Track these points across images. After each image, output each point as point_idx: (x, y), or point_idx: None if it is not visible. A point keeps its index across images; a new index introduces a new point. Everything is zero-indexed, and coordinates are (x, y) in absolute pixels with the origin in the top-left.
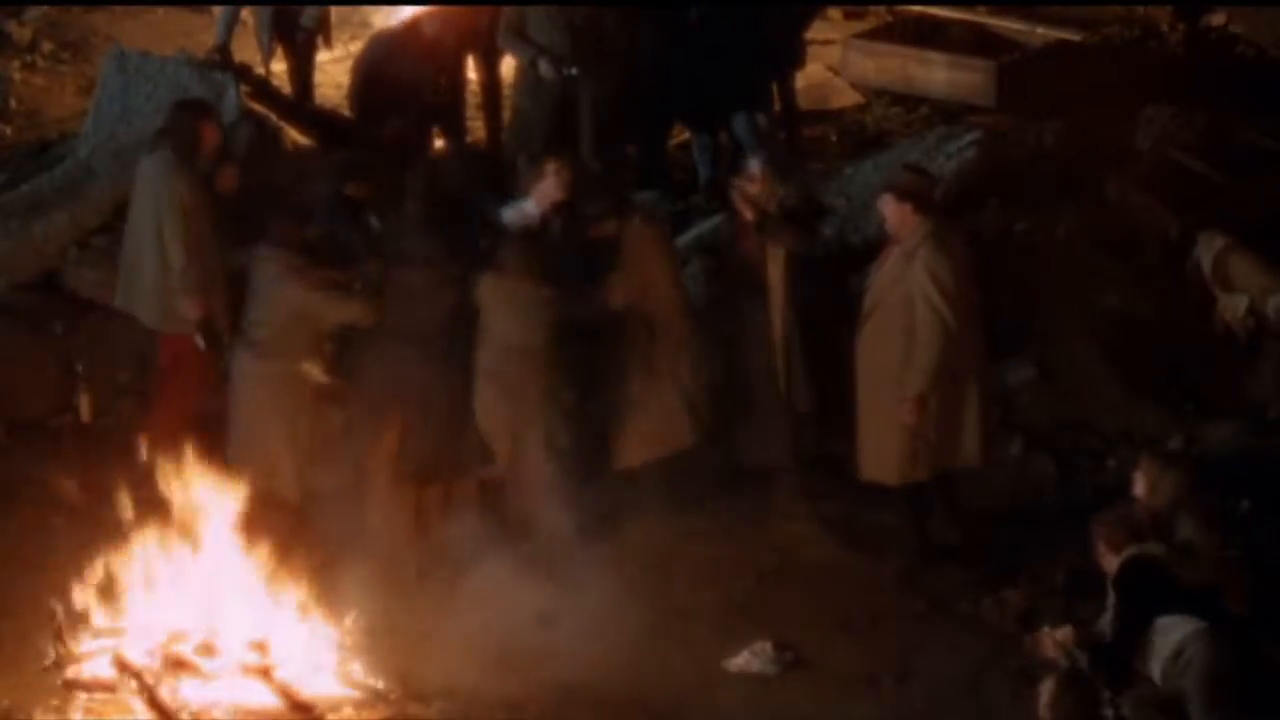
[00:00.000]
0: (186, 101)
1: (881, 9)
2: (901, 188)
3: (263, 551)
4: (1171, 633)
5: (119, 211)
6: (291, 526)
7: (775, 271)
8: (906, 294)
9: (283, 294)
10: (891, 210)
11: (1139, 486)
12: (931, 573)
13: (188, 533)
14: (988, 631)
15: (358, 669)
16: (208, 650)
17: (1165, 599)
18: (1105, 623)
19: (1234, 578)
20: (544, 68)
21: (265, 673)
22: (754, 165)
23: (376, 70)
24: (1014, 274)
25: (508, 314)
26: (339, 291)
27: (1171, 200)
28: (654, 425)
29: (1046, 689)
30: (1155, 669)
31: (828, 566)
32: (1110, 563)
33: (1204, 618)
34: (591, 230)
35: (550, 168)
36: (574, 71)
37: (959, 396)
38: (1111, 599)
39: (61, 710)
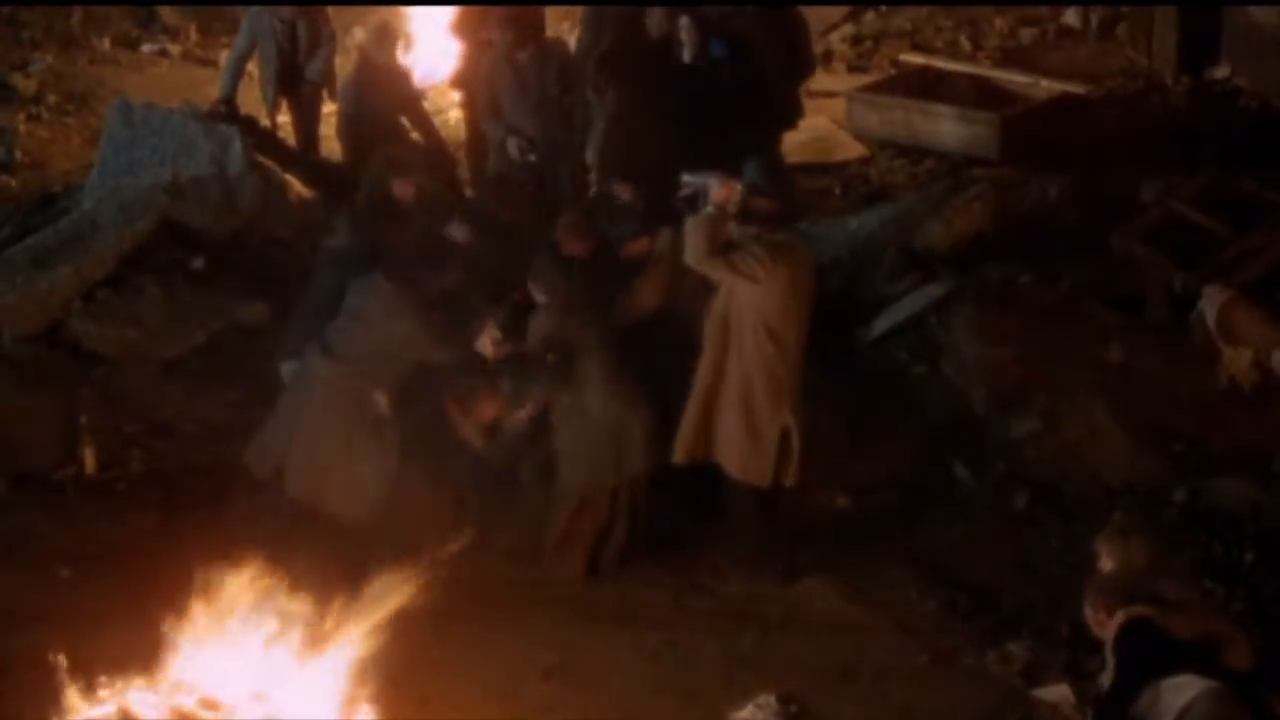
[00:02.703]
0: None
1: (885, 62)
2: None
3: (273, 599)
4: (1184, 691)
5: (123, 264)
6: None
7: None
8: None
9: (393, 328)
10: (739, 233)
11: (1108, 565)
12: (935, 626)
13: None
14: (991, 684)
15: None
16: (211, 705)
17: (1164, 658)
18: (1105, 681)
19: (1233, 632)
20: (512, 148)
21: None
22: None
23: (353, 121)
24: (1018, 327)
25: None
26: (441, 339)
27: (1176, 253)
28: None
29: None
30: None
31: (831, 619)
32: (1107, 627)
33: (1206, 674)
34: (624, 251)
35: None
36: (533, 158)
37: None
38: (1110, 661)
39: None
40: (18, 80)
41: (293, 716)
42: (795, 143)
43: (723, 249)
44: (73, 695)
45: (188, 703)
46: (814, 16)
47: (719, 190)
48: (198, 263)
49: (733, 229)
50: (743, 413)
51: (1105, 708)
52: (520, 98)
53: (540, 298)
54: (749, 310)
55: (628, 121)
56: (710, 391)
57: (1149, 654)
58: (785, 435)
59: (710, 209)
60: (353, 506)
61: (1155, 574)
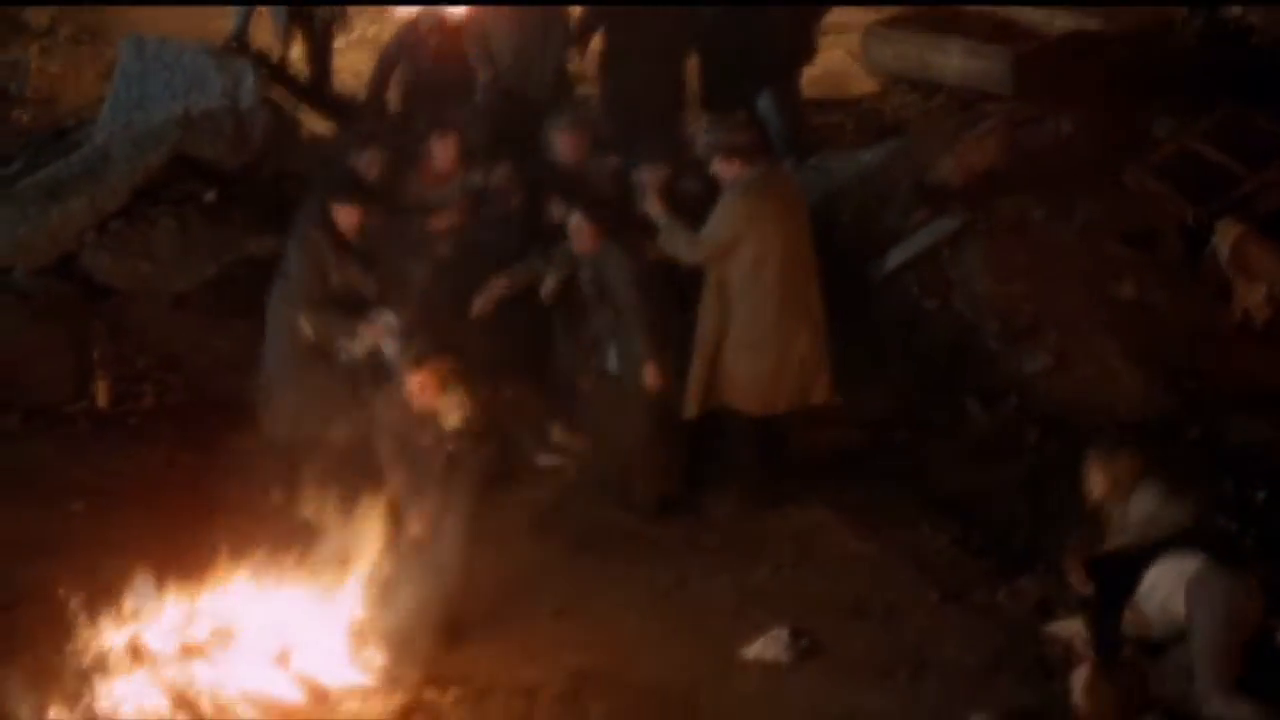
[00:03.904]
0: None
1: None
2: (727, 145)
3: (283, 532)
4: (1180, 569)
5: (136, 197)
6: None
7: None
8: None
9: (313, 259)
10: (724, 169)
11: (1098, 488)
12: (947, 562)
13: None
14: (1004, 621)
15: (374, 655)
16: (223, 636)
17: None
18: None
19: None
20: (480, 96)
21: (282, 658)
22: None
23: (391, 68)
24: (1030, 262)
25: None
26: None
27: (1189, 189)
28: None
29: (1080, 676)
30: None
31: (843, 555)
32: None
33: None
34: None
35: None
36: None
37: None
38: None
39: (79, 695)
40: (30, 14)
41: (303, 650)
42: (808, 77)
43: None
44: (85, 628)
45: (199, 634)
46: None
47: (647, 177)
48: (210, 196)
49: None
50: (757, 350)
51: (1099, 633)
52: (498, 13)
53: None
54: (748, 254)
55: (620, 62)
56: (715, 343)
57: (1122, 576)
58: (803, 360)
59: (650, 205)
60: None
61: (1134, 493)
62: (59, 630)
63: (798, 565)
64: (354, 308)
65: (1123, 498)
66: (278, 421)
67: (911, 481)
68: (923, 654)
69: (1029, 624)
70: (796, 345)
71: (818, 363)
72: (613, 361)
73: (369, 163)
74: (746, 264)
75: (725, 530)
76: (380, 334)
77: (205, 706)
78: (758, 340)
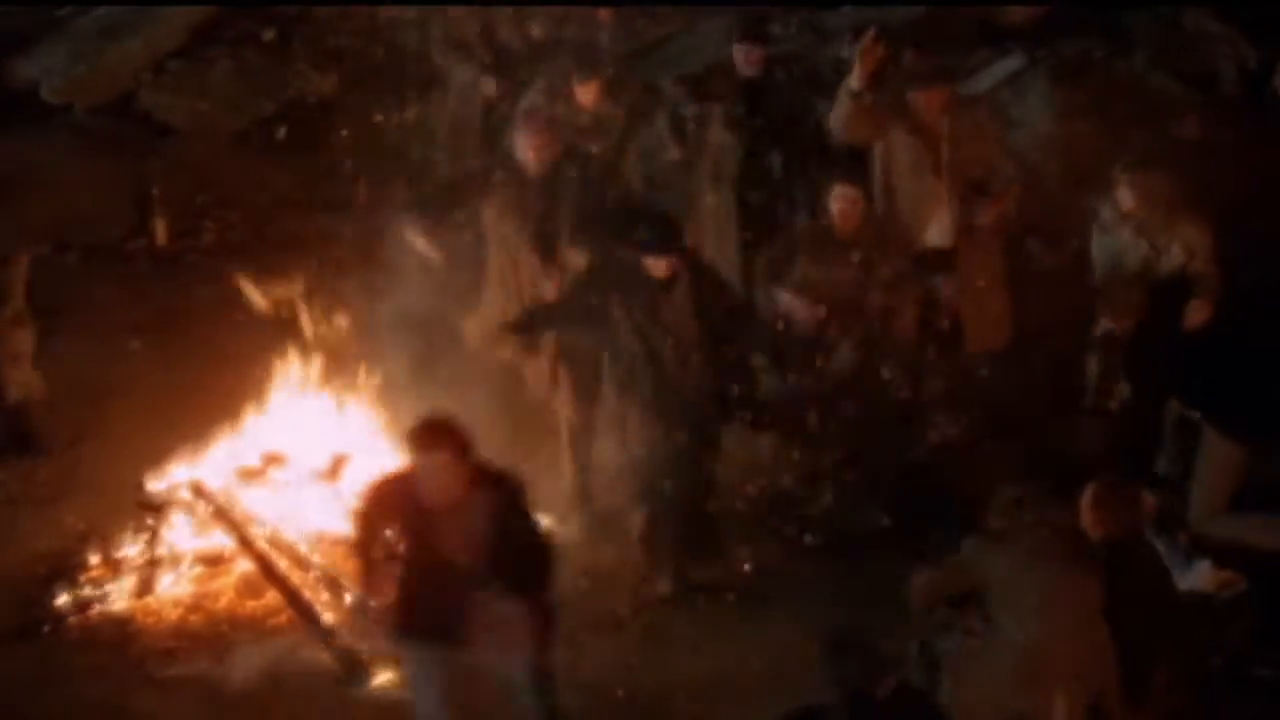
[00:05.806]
0: None
1: None
2: (930, 78)
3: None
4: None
5: (194, 35)
6: None
7: None
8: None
9: None
10: (934, 100)
11: (1129, 201)
12: None
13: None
14: None
15: None
16: (274, 460)
17: None
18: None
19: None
20: None
21: (334, 470)
22: None
23: None
24: (1092, 101)
25: None
26: None
27: (1249, 28)
28: None
29: (1087, 494)
30: None
31: None
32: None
33: None
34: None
35: None
36: None
37: None
38: None
39: (138, 533)
40: None
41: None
42: None
43: None
44: (144, 465)
45: (255, 463)
46: None
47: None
48: (268, 34)
49: None
50: None
51: None
52: None
53: None
54: None
55: None
56: None
57: None
58: None
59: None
60: None
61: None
62: (118, 468)
63: None
64: None
65: (1154, 212)
66: None
67: None
68: None
69: None
70: None
71: None
72: None
73: None
74: None
75: None
76: None
77: (263, 544)
78: None
